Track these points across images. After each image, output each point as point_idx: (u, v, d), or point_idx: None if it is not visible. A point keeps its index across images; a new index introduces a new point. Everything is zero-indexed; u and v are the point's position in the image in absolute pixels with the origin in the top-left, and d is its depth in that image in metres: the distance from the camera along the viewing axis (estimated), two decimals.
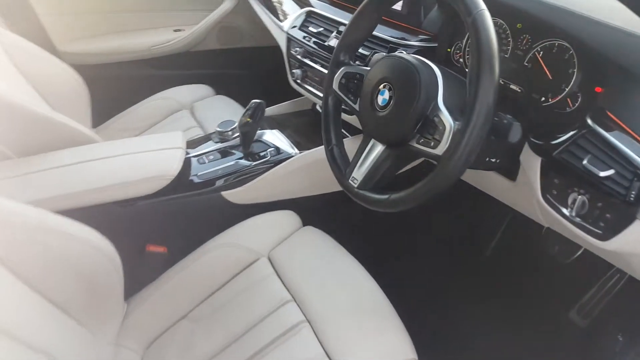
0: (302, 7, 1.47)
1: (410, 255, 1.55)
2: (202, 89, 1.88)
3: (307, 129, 1.42)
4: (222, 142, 1.32)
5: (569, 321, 1.28)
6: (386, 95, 0.81)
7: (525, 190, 0.91)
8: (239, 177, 1.22)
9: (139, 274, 1.07)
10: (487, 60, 0.66)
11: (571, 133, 0.77)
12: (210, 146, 1.30)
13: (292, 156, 1.25)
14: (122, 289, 0.91)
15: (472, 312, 1.37)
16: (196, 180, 1.18)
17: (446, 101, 0.76)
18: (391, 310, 0.98)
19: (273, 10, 1.61)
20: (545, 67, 0.88)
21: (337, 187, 1.34)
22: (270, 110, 1.56)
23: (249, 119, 1.23)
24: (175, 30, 2.08)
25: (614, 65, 0.76)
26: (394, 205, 0.80)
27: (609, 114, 0.75)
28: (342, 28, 1.26)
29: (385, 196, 0.82)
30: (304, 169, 1.25)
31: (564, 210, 0.78)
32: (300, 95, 1.49)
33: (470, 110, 0.68)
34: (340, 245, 1.14)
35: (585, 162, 0.74)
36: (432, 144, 0.74)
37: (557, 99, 0.85)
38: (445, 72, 0.80)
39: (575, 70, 0.82)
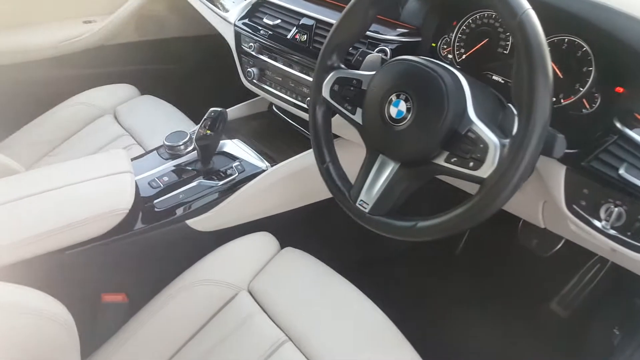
0: None
1: (387, 262, 1.47)
2: (125, 89, 1.64)
3: (269, 135, 1.27)
4: (173, 159, 1.13)
5: (550, 312, 1.29)
6: (402, 107, 0.70)
7: (529, 195, 0.86)
8: (204, 201, 1.04)
9: (97, 330, 0.89)
10: (541, 68, 0.57)
11: (602, 139, 0.72)
12: (160, 165, 1.11)
13: (263, 171, 1.10)
14: (78, 354, 0.76)
15: (455, 312, 1.34)
16: (154, 210, 0.99)
17: (477, 113, 0.66)
18: (401, 338, 0.89)
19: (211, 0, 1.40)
20: (554, 65, 0.82)
21: (313, 199, 1.23)
22: None
23: (208, 131, 1.05)
24: (85, 22, 1.77)
25: (637, 63, 0.71)
26: (422, 234, 0.70)
27: (638, 117, 0.70)
28: (305, 20, 1.11)
29: (411, 223, 0.71)
30: (278, 184, 1.11)
31: (596, 223, 0.73)
32: (254, 95, 1.33)
33: (525, 125, 0.59)
34: (327, 266, 1.02)
35: (621, 171, 0.68)
36: (472, 164, 0.64)
37: (571, 100, 0.80)
38: (469, 78, 0.70)
39: (593, 69, 0.77)
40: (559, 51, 0.81)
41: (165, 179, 1.06)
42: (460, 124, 0.66)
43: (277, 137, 1.26)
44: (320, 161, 0.85)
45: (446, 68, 0.69)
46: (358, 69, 0.86)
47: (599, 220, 0.73)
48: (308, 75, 1.09)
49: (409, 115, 0.69)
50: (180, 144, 1.12)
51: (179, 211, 1.01)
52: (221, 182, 1.07)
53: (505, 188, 0.61)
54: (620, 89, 0.75)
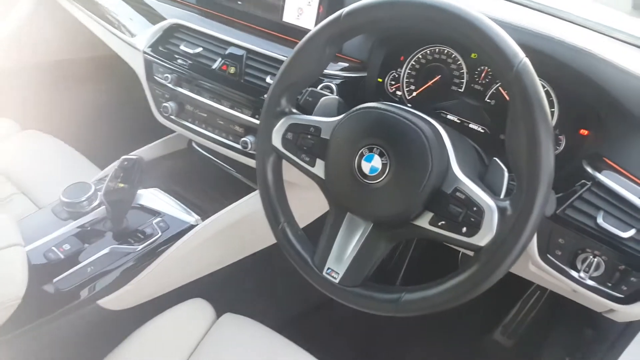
0: (154, 20, 1.10)
1: (331, 305, 1.36)
2: (1, 124, 1.34)
3: (194, 178, 1.10)
4: (74, 219, 0.91)
5: (494, 342, 1.27)
6: (376, 162, 0.60)
7: None
8: (118, 272, 0.85)
9: None
10: (543, 121, 0.51)
11: (575, 185, 0.68)
12: (58, 227, 0.89)
13: (193, 226, 0.93)
14: None
15: (399, 350, 1.27)
16: (54, 292, 0.77)
17: (462, 169, 0.58)
18: None
19: (111, 22, 1.19)
20: None
21: (253, 250, 1.08)
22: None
23: (121, 184, 0.86)
24: None
25: (604, 105, 0.68)
26: (408, 310, 0.61)
27: (607, 160, 0.68)
28: (233, 50, 0.97)
29: (394, 296, 0.61)
30: (211, 240, 0.94)
31: (573, 273, 0.70)
32: (169, 130, 1.15)
33: (528, 185, 0.52)
34: (272, 331, 0.89)
35: (600, 220, 0.65)
36: (465, 229, 0.56)
37: None
38: (447, 129, 0.62)
39: (555, 109, 0.74)
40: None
41: (67, 247, 0.84)
42: (445, 182, 0.58)
43: (203, 180, 1.10)
44: (275, 222, 0.72)
45: (423, 118, 0.61)
46: (309, 112, 0.74)
47: (576, 270, 0.70)
48: (241, 112, 0.96)
49: (386, 172, 0.59)
50: (83, 199, 0.91)
51: (88, 290, 0.81)
52: (140, 246, 0.88)
53: (506, 258, 0.54)
54: (584, 132, 0.73)
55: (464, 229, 0.56)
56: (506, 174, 0.58)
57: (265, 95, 0.91)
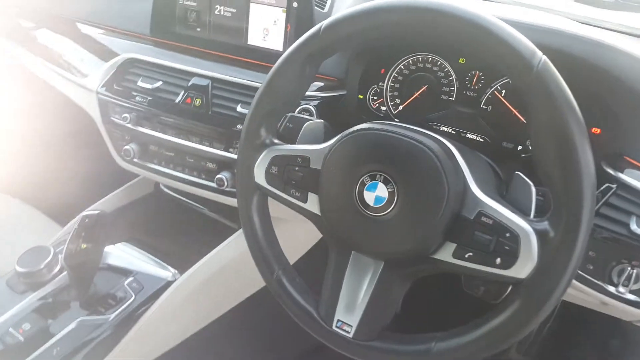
0: (107, 57, 1.00)
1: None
2: None
3: (165, 226, 1.00)
4: (33, 290, 0.79)
5: None
6: (381, 191, 0.52)
7: None
8: (90, 348, 0.73)
9: None
10: (576, 124, 0.44)
11: (598, 190, 0.61)
12: (14, 303, 0.77)
13: (171, 282, 0.82)
14: None
15: None
16: None
17: (482, 189, 0.51)
18: None
19: (60, 64, 1.09)
20: (513, 109, 0.72)
21: (240, 298, 0.97)
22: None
23: (84, 245, 0.75)
24: None
25: (619, 100, 0.62)
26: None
27: (628, 159, 0.62)
28: (196, 80, 0.88)
29: (423, 346, 0.53)
30: (194, 294, 0.84)
31: (610, 289, 0.63)
32: (134, 175, 1.05)
33: (570, 199, 0.44)
34: None
35: (633, 226, 0.59)
36: (499, 261, 0.48)
37: None
38: (456, 144, 0.55)
39: None
40: (516, 93, 0.71)
41: (26, 326, 0.73)
42: (465, 207, 0.50)
43: (176, 226, 1.00)
44: (268, 272, 0.63)
45: (429, 135, 0.53)
46: (291, 141, 0.66)
47: (613, 285, 0.63)
48: (212, 146, 0.87)
49: (394, 202, 0.51)
50: (42, 266, 0.79)
51: None
52: (113, 314, 0.77)
53: (554, 290, 0.46)
54: (596, 130, 0.67)
55: (498, 260, 0.48)
56: (533, 190, 0.51)
57: (239, 126, 0.83)
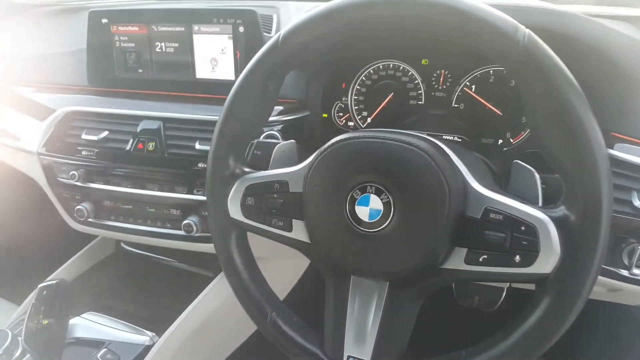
0: (43, 116, 0.92)
1: None
2: None
3: (133, 287, 0.91)
4: None
5: None
6: (375, 203, 0.47)
7: None
8: None
9: None
10: (575, 94, 0.40)
11: None
12: None
13: (150, 347, 0.73)
14: None
15: None
16: None
17: (483, 184, 0.47)
18: None
19: None
20: (486, 103, 0.69)
21: (231, 348, 0.89)
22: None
23: (45, 321, 0.66)
24: None
25: (604, 77, 0.61)
26: None
27: (616, 135, 0.60)
28: (146, 124, 0.82)
29: None
30: (178, 355, 0.76)
31: (622, 272, 0.60)
32: (92, 237, 0.96)
33: (585, 177, 0.40)
34: None
35: (636, 202, 0.57)
36: (519, 259, 0.43)
37: (522, 136, 0.68)
38: (446, 142, 0.51)
39: None
40: (487, 86, 0.70)
41: None
42: (469, 206, 0.46)
43: (145, 285, 0.91)
44: (260, 316, 0.56)
45: (417, 136, 0.49)
46: (262, 168, 0.60)
47: (624, 267, 0.59)
48: (173, 191, 0.81)
49: (392, 214, 0.46)
50: (0, 353, 0.68)
51: None
52: None
53: (586, 280, 0.42)
54: None
55: (517, 258, 0.43)
56: (537, 176, 0.48)
57: (201, 164, 0.77)
